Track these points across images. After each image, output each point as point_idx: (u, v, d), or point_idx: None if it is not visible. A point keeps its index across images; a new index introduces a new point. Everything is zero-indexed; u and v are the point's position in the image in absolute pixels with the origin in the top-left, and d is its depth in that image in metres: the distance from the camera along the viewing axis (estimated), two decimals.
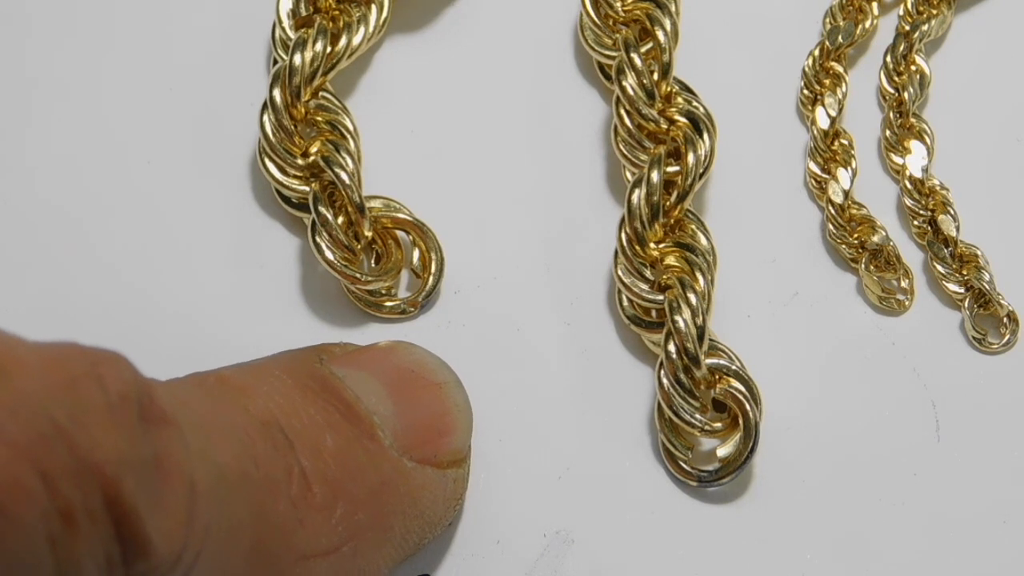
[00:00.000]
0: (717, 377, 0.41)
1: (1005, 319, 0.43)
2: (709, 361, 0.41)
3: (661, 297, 0.41)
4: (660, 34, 0.43)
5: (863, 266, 0.43)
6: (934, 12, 0.46)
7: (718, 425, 0.41)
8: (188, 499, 0.32)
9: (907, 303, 0.44)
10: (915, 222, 0.44)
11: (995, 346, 0.43)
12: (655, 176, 0.42)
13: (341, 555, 0.36)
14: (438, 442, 0.38)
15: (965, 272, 0.43)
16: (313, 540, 0.35)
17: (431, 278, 0.43)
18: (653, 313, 0.42)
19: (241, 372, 0.37)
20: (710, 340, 0.41)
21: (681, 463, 0.41)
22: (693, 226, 0.42)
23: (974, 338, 0.43)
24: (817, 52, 0.46)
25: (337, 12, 0.44)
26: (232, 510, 0.33)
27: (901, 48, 0.46)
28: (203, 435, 0.33)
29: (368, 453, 0.37)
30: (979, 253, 0.44)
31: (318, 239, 0.42)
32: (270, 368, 0.38)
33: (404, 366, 0.39)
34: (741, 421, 0.41)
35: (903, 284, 0.44)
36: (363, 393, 0.38)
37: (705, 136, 0.42)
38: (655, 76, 0.43)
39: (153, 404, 0.32)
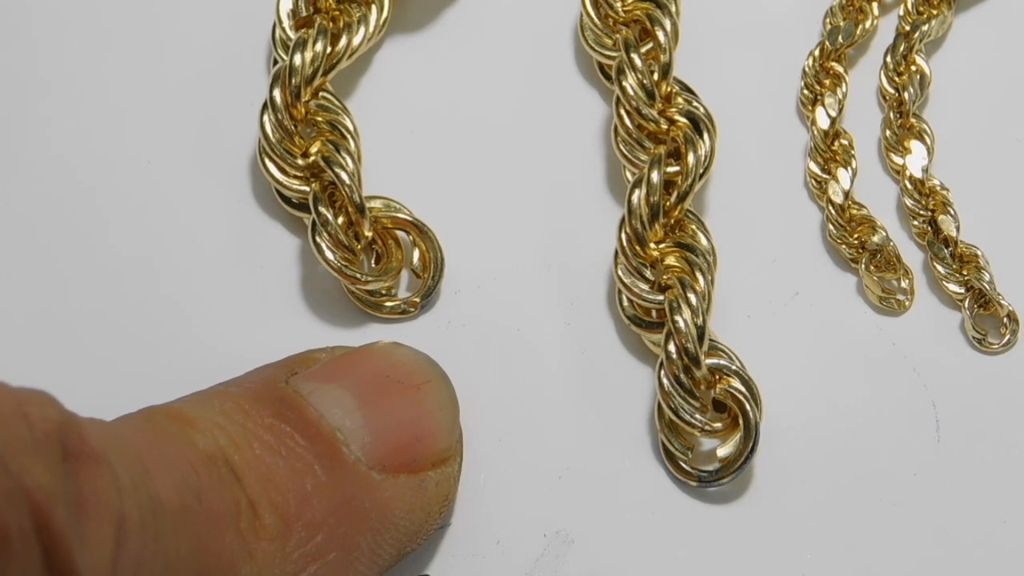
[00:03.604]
0: (717, 377, 0.41)
1: (1005, 319, 0.43)
2: (709, 361, 0.41)
3: (661, 297, 0.41)
4: (660, 34, 0.43)
5: (863, 266, 0.43)
6: (934, 12, 0.46)
7: (718, 425, 0.41)
8: (115, 535, 0.32)
9: (907, 303, 0.44)
10: (915, 222, 0.44)
11: (995, 346, 0.43)
12: (655, 176, 0.42)
13: None
14: (415, 447, 0.38)
15: (965, 272, 0.43)
16: (265, 570, 0.35)
17: (431, 278, 0.43)
18: (653, 313, 0.42)
19: (194, 404, 0.37)
20: (710, 340, 0.41)
21: (681, 463, 0.41)
22: (693, 226, 0.42)
23: (974, 338, 0.43)
24: (817, 52, 0.46)
25: (337, 12, 0.44)
26: (170, 543, 0.33)
27: (901, 48, 0.46)
28: (139, 470, 0.33)
29: (328, 472, 0.37)
30: (979, 253, 0.44)
31: (318, 239, 0.42)
32: (229, 395, 0.37)
33: (379, 372, 0.38)
34: (741, 421, 0.41)
35: (903, 284, 0.44)
36: (328, 408, 0.37)
37: (705, 136, 0.42)
38: (655, 76, 0.43)
39: (82, 442, 0.32)
